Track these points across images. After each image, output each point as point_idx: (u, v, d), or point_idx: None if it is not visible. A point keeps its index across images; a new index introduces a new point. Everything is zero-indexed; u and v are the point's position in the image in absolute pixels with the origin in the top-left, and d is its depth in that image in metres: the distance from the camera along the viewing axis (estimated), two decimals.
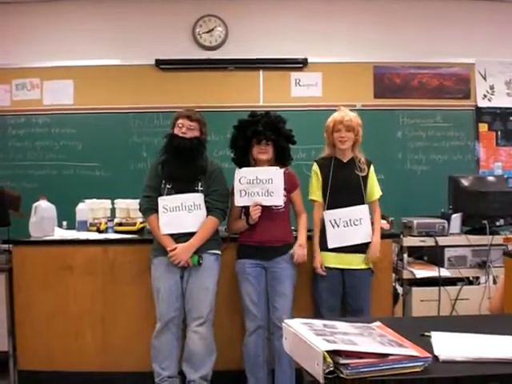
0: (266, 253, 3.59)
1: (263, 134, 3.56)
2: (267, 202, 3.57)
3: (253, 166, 3.64)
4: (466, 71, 5.62)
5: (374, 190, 3.74)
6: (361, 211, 3.66)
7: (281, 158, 3.69)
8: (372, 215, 3.73)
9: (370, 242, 3.66)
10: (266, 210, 3.58)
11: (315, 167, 3.77)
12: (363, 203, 3.68)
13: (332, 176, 3.67)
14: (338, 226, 3.64)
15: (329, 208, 3.68)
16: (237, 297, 3.71)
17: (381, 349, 1.54)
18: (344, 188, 3.67)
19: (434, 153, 5.58)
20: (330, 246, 3.64)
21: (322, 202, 3.72)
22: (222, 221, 3.64)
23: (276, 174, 3.57)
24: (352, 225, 3.63)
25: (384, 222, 4.02)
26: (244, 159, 3.68)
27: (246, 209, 3.66)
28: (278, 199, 3.57)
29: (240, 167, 3.66)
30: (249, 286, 3.60)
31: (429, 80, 5.60)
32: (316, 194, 3.75)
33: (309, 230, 3.76)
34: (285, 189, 3.60)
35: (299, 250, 3.63)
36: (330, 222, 3.65)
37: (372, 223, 3.70)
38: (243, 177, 3.59)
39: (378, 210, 3.77)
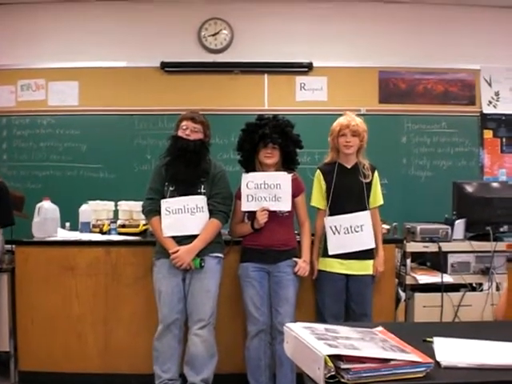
0: (271, 257, 3.58)
1: (270, 137, 3.54)
2: (275, 207, 3.55)
3: (259, 170, 3.63)
4: (472, 77, 5.61)
5: (377, 197, 3.72)
6: (362, 217, 3.63)
7: (287, 163, 3.67)
8: (373, 224, 3.67)
9: (374, 248, 3.66)
10: (271, 214, 3.56)
11: (318, 174, 3.75)
12: (366, 210, 3.65)
13: (335, 182, 3.65)
14: (339, 233, 3.62)
15: (331, 214, 3.66)
16: (239, 300, 3.71)
17: (383, 354, 1.53)
18: (346, 195, 3.64)
19: (438, 159, 5.56)
20: (331, 252, 3.62)
21: (324, 209, 3.70)
22: (224, 223, 3.64)
23: (284, 179, 3.56)
24: (353, 231, 3.61)
25: (384, 225, 4.00)
26: (250, 162, 3.66)
27: (249, 213, 3.65)
28: (285, 204, 3.56)
29: (246, 170, 3.65)
30: (252, 290, 3.59)
31: (434, 86, 5.59)
32: (318, 201, 3.73)
33: (312, 235, 3.75)
34: None
35: (303, 264, 3.62)
36: (331, 228, 3.63)
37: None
38: (250, 181, 3.58)
39: (378, 218, 3.74)
